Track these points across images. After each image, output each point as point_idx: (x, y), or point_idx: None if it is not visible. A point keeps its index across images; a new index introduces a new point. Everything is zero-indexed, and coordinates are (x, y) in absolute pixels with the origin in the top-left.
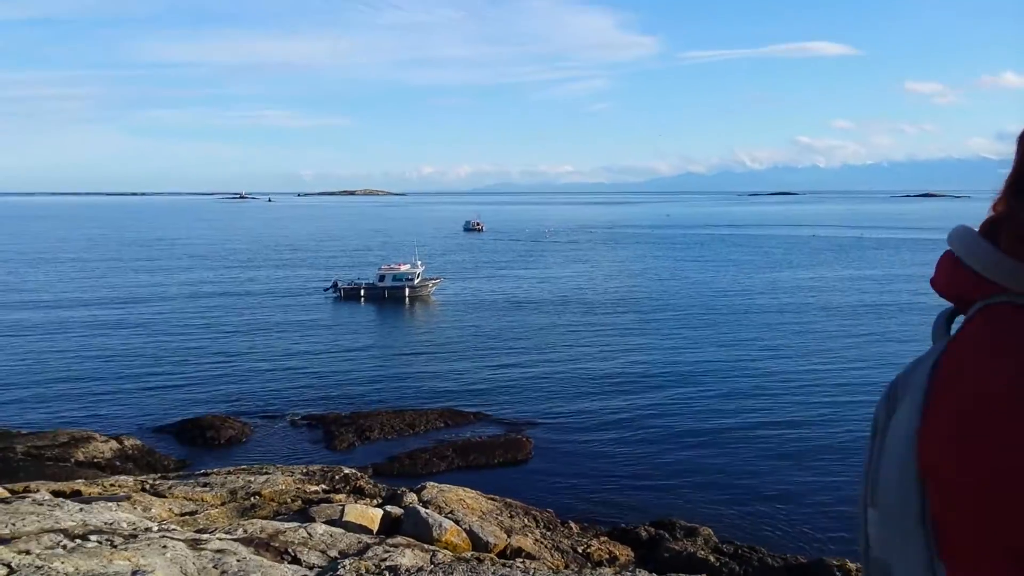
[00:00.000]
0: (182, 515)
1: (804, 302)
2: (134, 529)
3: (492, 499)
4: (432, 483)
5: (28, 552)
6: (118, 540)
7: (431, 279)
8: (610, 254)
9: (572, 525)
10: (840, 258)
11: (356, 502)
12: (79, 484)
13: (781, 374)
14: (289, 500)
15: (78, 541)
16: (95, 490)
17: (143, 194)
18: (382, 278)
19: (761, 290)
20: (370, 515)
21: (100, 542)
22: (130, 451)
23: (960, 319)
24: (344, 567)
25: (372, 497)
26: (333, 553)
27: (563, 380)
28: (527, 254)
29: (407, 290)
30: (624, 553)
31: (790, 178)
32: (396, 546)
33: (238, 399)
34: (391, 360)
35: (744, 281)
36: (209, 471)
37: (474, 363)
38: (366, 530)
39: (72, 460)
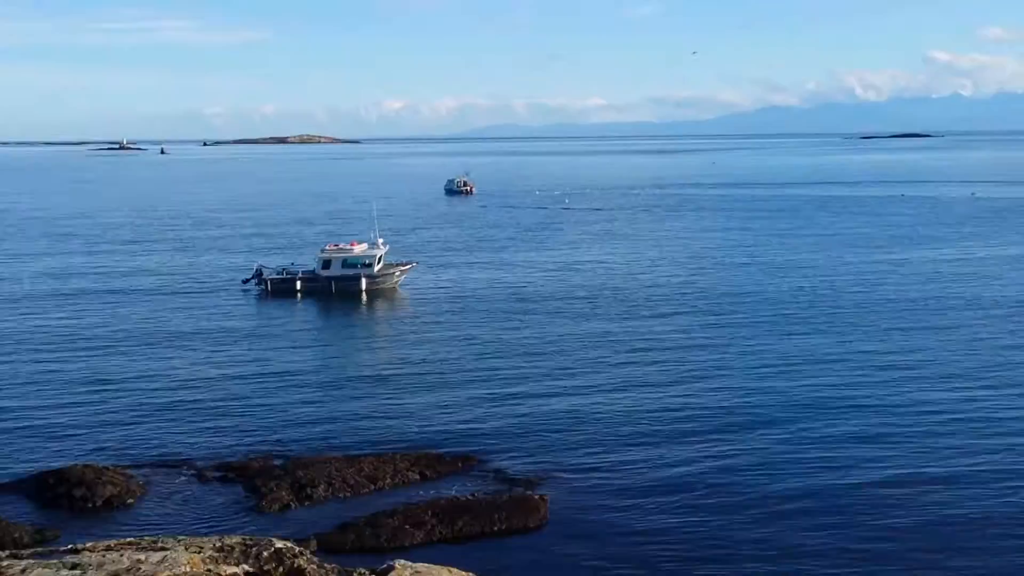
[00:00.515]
0: None
1: (949, 295)
2: None
3: None
4: (403, 562)
5: None
6: None
7: (399, 265)
8: (656, 228)
9: None
10: (999, 229)
11: None
12: None
13: (924, 405)
14: None
15: None
16: None
17: None
18: (327, 264)
19: (885, 279)
20: None
21: None
22: None
23: None
24: None
25: None
26: None
27: (591, 415)
28: (536, 228)
29: (363, 281)
30: None
31: (922, 113)
32: None
33: (121, 443)
34: (341, 384)
35: (859, 266)
36: (80, 546)
37: (461, 388)
38: None
39: None
